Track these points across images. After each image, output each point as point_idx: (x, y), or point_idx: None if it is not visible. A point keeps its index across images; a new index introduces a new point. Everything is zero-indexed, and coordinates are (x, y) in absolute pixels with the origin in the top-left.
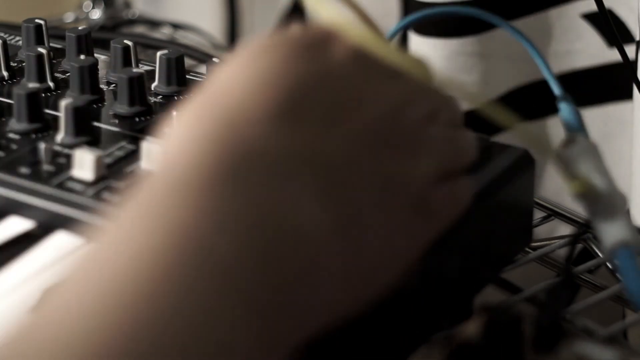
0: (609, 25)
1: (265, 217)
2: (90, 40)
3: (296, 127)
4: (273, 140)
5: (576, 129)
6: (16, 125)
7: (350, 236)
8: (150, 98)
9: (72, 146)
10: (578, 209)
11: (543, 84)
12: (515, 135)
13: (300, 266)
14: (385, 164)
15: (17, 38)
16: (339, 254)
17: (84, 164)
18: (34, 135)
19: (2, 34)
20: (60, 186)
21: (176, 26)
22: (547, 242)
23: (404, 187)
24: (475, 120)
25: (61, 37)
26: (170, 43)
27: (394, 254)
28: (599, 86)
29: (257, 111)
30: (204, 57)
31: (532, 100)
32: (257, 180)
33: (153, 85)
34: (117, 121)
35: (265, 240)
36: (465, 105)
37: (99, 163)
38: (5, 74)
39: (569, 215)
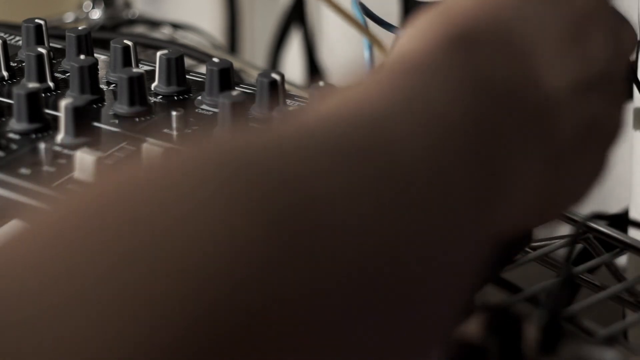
0: None
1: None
2: (90, 40)
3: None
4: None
5: None
6: (16, 125)
7: (552, 166)
8: (150, 98)
9: (72, 146)
10: (578, 209)
11: None
12: None
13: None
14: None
15: (17, 38)
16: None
17: (84, 165)
18: (34, 136)
19: (2, 34)
20: (61, 188)
21: (176, 26)
22: (547, 242)
23: (604, 126)
24: None
25: (61, 37)
26: (170, 43)
27: (587, 172)
28: None
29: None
30: (204, 57)
31: None
32: (487, 52)
33: (153, 86)
34: (117, 121)
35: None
36: None
37: (99, 164)
38: (5, 74)
39: (569, 215)
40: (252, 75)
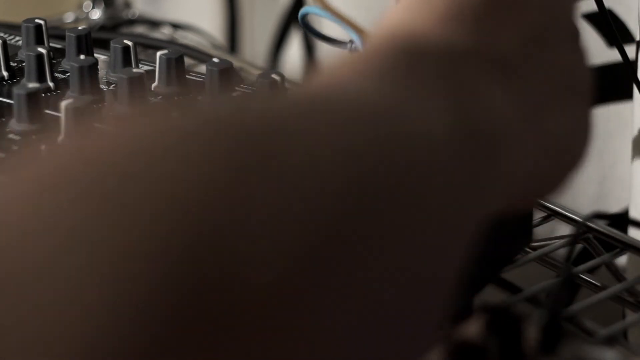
0: (609, 25)
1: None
2: (90, 40)
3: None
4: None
5: None
6: (16, 125)
7: (535, 122)
8: (150, 99)
9: None
10: (578, 209)
11: None
12: None
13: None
14: (555, 54)
15: (17, 38)
16: (526, 132)
17: None
18: (34, 136)
19: (2, 34)
20: None
21: (176, 26)
22: (547, 242)
23: (571, 73)
24: None
25: (61, 37)
26: (170, 43)
27: (573, 134)
28: (599, 86)
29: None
30: (204, 57)
31: None
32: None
33: (153, 86)
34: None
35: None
36: None
37: None
38: (5, 74)
39: (569, 215)
40: (253, 75)
